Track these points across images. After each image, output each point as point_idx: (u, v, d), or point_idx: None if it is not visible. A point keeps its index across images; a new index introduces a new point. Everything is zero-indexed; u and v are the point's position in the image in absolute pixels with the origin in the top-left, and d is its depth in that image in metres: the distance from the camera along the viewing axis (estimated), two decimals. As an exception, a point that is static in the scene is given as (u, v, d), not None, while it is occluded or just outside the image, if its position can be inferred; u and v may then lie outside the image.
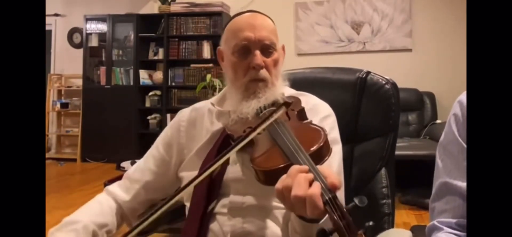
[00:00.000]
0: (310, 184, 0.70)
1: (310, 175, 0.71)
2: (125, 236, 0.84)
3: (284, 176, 0.74)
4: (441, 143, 0.88)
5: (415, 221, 3.02)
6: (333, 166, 0.97)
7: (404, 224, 2.91)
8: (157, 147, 1.14)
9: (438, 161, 0.87)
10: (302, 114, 0.99)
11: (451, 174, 0.83)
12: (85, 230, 0.98)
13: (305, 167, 0.73)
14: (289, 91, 1.10)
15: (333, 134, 1.04)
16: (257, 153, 0.87)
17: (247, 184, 0.96)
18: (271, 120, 0.89)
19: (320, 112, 1.06)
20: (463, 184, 0.80)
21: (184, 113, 1.14)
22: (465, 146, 0.81)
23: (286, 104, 0.95)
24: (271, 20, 1.08)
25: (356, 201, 0.66)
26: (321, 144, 0.81)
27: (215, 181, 0.98)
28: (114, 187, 1.12)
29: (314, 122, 0.98)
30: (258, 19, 1.04)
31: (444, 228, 0.81)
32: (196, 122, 1.11)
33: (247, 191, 0.96)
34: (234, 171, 0.99)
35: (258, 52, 1.00)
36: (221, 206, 0.98)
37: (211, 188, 0.98)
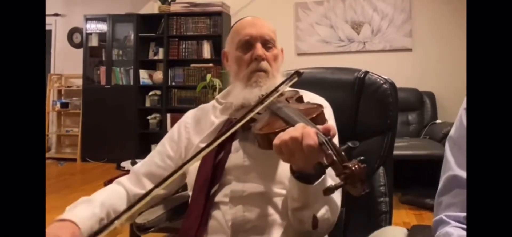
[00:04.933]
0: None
1: (307, 126, 0.82)
2: (132, 205, 0.86)
3: (281, 133, 0.83)
4: (450, 137, 0.86)
5: (415, 220, 3.03)
6: None
7: (404, 223, 2.91)
8: (163, 144, 1.21)
9: (448, 155, 0.85)
10: (300, 100, 1.08)
11: (461, 167, 0.81)
12: (102, 208, 1.02)
13: (302, 123, 0.83)
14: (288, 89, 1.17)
15: (330, 123, 1.11)
16: (258, 125, 0.97)
17: (248, 171, 1.03)
18: (275, 95, 1.02)
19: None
20: None
21: (190, 113, 1.24)
22: None
23: (287, 80, 1.06)
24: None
25: (349, 143, 0.76)
26: (319, 113, 0.92)
27: (218, 166, 1.05)
28: (123, 179, 1.16)
29: None
30: (260, 20, 1.19)
31: (451, 222, 0.80)
32: (201, 118, 1.20)
33: (248, 179, 1.03)
34: (236, 157, 1.06)
35: (259, 45, 1.12)
36: (223, 195, 1.03)
37: (214, 172, 1.05)
